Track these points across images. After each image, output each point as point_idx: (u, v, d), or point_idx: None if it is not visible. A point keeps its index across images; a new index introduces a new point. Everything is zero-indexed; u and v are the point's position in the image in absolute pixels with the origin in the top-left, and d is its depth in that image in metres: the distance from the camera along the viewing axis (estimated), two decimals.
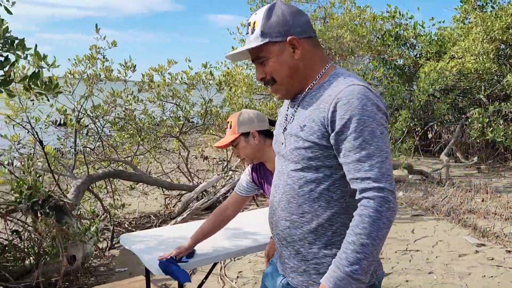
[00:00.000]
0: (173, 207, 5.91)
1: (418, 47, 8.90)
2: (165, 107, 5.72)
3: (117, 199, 5.40)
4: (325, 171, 1.27)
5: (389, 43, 8.32)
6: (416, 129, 8.87)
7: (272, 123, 1.97)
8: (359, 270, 1.14)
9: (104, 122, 5.26)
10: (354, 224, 1.17)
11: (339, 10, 7.79)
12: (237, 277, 3.72)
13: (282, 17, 1.32)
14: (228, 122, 1.98)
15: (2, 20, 2.30)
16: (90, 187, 4.73)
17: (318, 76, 1.35)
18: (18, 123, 4.42)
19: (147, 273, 2.50)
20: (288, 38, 1.31)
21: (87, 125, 5.40)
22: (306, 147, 1.28)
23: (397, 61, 8.56)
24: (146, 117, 5.41)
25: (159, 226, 5.13)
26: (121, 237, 2.44)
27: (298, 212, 1.31)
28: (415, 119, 7.63)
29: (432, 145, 9.31)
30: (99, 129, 5.22)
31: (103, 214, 4.82)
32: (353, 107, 1.20)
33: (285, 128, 1.38)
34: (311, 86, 1.34)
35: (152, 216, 5.51)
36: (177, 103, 5.71)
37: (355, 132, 1.19)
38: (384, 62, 8.18)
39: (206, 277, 2.27)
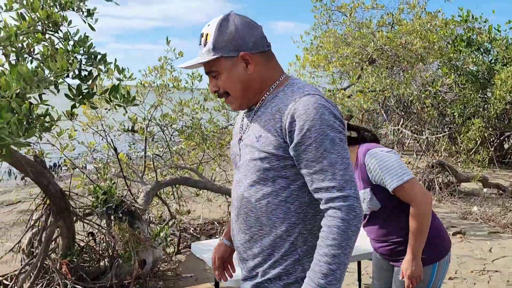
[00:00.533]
0: None
1: (493, 52, 8.37)
2: (230, 115, 5.80)
3: (183, 205, 5.55)
4: (282, 182, 1.28)
5: (461, 48, 7.90)
6: (491, 139, 8.32)
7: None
8: (333, 280, 1.17)
9: (172, 130, 5.44)
10: (323, 235, 1.19)
11: (407, 16, 7.53)
12: None
13: (235, 31, 1.30)
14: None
15: (87, 37, 2.45)
16: (158, 193, 4.90)
17: (272, 87, 1.35)
18: (96, 131, 4.68)
19: (216, 282, 2.53)
20: (241, 53, 1.30)
21: (156, 133, 5.61)
22: (262, 157, 1.28)
23: (470, 67, 8.10)
24: (212, 125, 5.53)
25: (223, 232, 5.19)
26: (192, 245, 2.48)
27: (256, 225, 1.32)
28: (490, 129, 7.16)
29: (509, 156, 8.69)
30: (167, 137, 5.40)
31: (170, 220, 4.97)
32: (311, 117, 1.20)
33: (240, 139, 1.38)
34: (264, 96, 1.35)
35: (216, 222, 5.60)
36: None
37: (315, 142, 1.20)
38: (455, 68, 7.77)
39: None
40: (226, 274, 1.61)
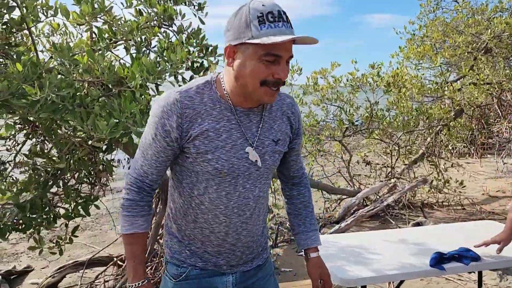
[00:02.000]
0: (333, 211, 5.82)
1: None
2: (329, 109, 5.66)
3: (279, 199, 5.54)
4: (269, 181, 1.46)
5: None
6: None
7: None
8: None
9: None
10: (308, 195, 1.61)
11: None
12: None
13: None
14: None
15: (200, 29, 2.49)
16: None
17: None
18: None
19: None
20: None
21: None
22: (278, 159, 1.43)
23: None
24: (310, 119, 5.44)
25: (320, 228, 5.10)
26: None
27: (262, 219, 1.48)
28: None
29: None
30: None
31: (267, 213, 4.98)
32: (300, 116, 1.49)
33: (251, 145, 1.35)
34: None
35: None
36: (341, 106, 5.61)
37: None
38: None
39: None
40: None
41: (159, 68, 1.78)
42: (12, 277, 4.02)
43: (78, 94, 1.76)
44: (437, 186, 5.60)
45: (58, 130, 2.00)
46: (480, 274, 2.73)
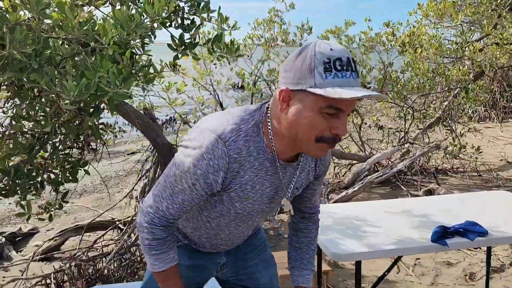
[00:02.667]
0: (343, 176, 5.68)
1: None
2: None
3: None
4: None
5: None
6: None
7: None
8: None
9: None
10: (315, 233, 1.53)
11: None
12: (415, 264, 3.31)
13: None
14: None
15: None
16: None
17: None
18: (203, 86, 4.68)
19: (320, 250, 2.33)
20: None
21: (262, 89, 5.47)
22: None
23: None
24: None
25: (327, 195, 4.98)
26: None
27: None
28: None
29: None
30: (274, 93, 5.23)
31: None
32: (327, 163, 1.41)
33: (286, 196, 1.31)
34: None
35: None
36: None
37: None
38: None
39: (388, 270, 1.98)
40: None
41: (133, 23, 1.61)
42: (17, 239, 4.05)
43: (47, 51, 1.61)
44: (452, 152, 5.38)
45: (33, 92, 1.88)
46: (489, 250, 2.58)
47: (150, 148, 3.58)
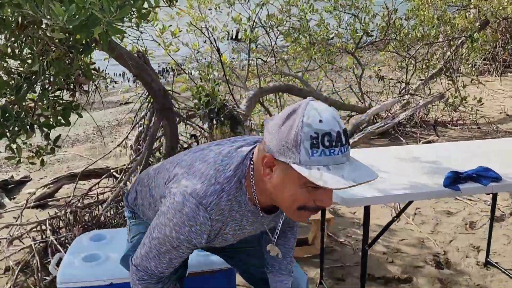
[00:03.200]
0: None
1: None
2: (342, 18, 5.17)
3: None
4: None
5: None
6: None
7: None
8: None
9: (278, 33, 5.03)
10: (292, 243, 1.49)
11: None
12: (415, 213, 3.29)
13: None
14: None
15: None
16: (260, 100, 4.68)
17: None
18: (198, 29, 4.46)
19: None
20: None
21: (260, 36, 5.25)
22: None
23: None
24: (321, 29, 4.99)
25: None
26: None
27: None
28: None
29: None
30: (272, 40, 5.02)
31: None
32: None
33: (271, 241, 1.36)
34: None
35: None
36: (355, 14, 5.11)
37: None
38: None
39: (398, 215, 1.92)
40: None
41: None
42: (10, 186, 3.97)
43: None
44: (453, 104, 5.28)
45: (17, 22, 1.71)
46: (494, 197, 2.53)
47: (145, 95, 3.43)
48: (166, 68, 9.02)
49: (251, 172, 1.14)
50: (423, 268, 2.61)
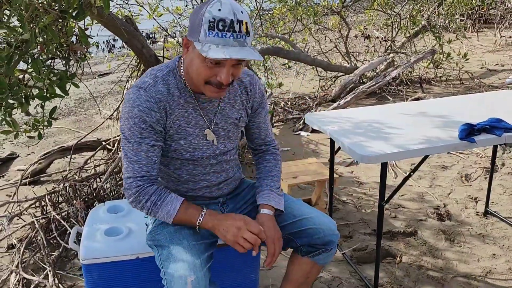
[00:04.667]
0: (327, 89, 5.58)
1: None
2: None
3: (273, 78, 5.24)
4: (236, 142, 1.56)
5: None
6: None
7: None
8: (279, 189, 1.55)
9: None
10: (274, 163, 1.59)
11: None
12: (411, 169, 3.34)
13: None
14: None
15: None
16: (248, 64, 4.59)
17: None
18: None
19: (331, 158, 2.26)
20: None
21: None
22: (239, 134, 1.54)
23: None
24: None
25: (316, 107, 4.90)
26: (306, 116, 2.18)
27: (234, 168, 1.59)
28: None
29: None
30: (258, 3, 4.88)
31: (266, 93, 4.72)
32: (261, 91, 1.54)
33: (209, 127, 1.43)
34: None
35: (306, 97, 5.28)
36: None
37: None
38: None
39: (414, 170, 1.94)
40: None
41: None
42: None
43: None
44: (439, 60, 5.31)
45: None
46: (495, 149, 2.59)
47: (135, 62, 3.31)
48: (149, 34, 8.69)
49: (181, 65, 1.36)
50: (426, 221, 2.68)
